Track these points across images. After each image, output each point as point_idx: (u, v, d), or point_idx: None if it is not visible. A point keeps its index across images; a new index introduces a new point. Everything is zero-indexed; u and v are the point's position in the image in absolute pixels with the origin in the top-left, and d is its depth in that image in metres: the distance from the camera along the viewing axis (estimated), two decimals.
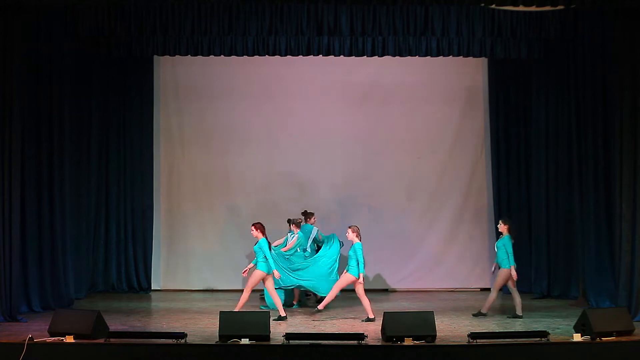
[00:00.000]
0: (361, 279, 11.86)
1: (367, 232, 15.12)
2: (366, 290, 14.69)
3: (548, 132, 14.57)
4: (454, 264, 15.59)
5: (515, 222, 15.18)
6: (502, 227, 12.35)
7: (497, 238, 12.61)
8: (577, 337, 9.95)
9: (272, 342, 9.82)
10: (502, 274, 12.15)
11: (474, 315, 12.19)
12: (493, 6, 12.11)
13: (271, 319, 10.34)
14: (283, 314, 11.80)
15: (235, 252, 15.22)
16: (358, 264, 11.84)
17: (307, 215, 13.87)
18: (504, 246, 12.14)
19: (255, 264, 11.86)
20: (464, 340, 9.79)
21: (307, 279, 12.75)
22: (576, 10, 12.88)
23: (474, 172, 15.83)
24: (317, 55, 13.92)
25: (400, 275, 15.60)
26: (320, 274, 12.77)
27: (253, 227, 11.98)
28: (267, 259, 11.74)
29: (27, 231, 12.34)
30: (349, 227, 12.16)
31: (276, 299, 11.90)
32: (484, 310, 12.20)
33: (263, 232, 11.92)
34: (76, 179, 14.16)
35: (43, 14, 12.42)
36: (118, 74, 15.26)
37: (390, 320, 10.05)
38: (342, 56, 14.00)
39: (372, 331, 10.47)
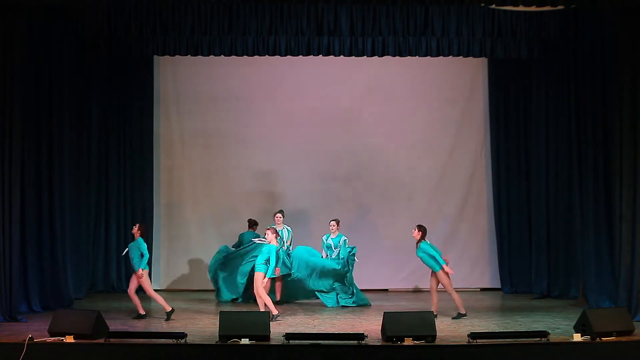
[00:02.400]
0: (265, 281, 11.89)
1: (367, 232, 15.21)
2: (367, 290, 14.77)
3: (548, 132, 14.56)
4: (454, 264, 15.42)
5: (517, 221, 15.36)
6: (416, 234, 11.93)
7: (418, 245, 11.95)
8: (577, 337, 9.94)
9: (272, 342, 9.81)
10: (437, 277, 11.94)
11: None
12: (493, 6, 12.10)
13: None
14: (142, 312, 12.08)
15: None
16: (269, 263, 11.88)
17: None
18: (425, 253, 11.84)
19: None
20: (464, 340, 9.79)
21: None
22: (576, 10, 12.88)
23: (474, 172, 15.83)
24: (317, 55, 13.92)
25: (400, 275, 15.60)
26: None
27: (135, 227, 12.16)
28: (142, 257, 11.93)
29: (27, 231, 12.33)
30: (268, 229, 12.25)
31: (135, 298, 12.10)
32: (435, 311, 11.82)
33: (142, 233, 12.10)
34: (76, 179, 14.16)
35: (43, 14, 12.42)
36: (118, 74, 15.26)
37: (390, 320, 10.05)
38: (342, 56, 14.01)
39: (372, 331, 10.47)
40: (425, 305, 12.42)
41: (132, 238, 12.14)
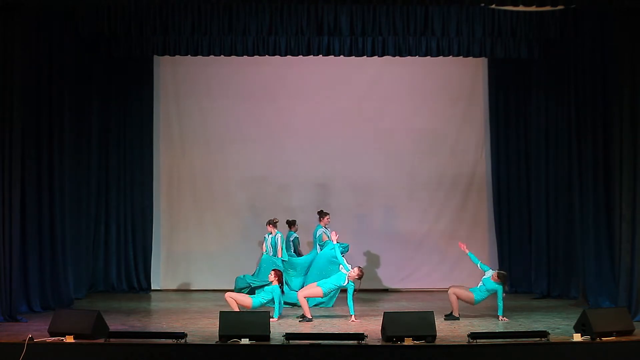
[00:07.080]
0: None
1: (367, 231, 15.21)
2: (366, 291, 14.78)
3: (548, 132, 14.57)
4: (454, 264, 15.58)
5: (517, 221, 15.38)
6: (495, 277, 12.11)
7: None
8: (577, 337, 9.94)
9: (272, 342, 9.82)
10: (465, 298, 12.05)
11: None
12: (493, 6, 12.11)
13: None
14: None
15: (235, 252, 15.22)
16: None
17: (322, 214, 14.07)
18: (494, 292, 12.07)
19: None
20: (464, 340, 9.79)
21: None
22: (576, 10, 12.89)
23: (474, 172, 15.83)
24: (317, 55, 13.94)
25: (400, 275, 15.60)
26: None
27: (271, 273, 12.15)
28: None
29: (27, 231, 12.32)
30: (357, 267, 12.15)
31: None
32: (455, 313, 12.03)
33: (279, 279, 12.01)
34: (76, 179, 14.15)
35: (43, 14, 12.42)
36: (118, 74, 15.25)
37: (390, 320, 10.05)
38: (342, 56, 14.03)
39: (372, 331, 10.47)
40: (425, 305, 12.42)
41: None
